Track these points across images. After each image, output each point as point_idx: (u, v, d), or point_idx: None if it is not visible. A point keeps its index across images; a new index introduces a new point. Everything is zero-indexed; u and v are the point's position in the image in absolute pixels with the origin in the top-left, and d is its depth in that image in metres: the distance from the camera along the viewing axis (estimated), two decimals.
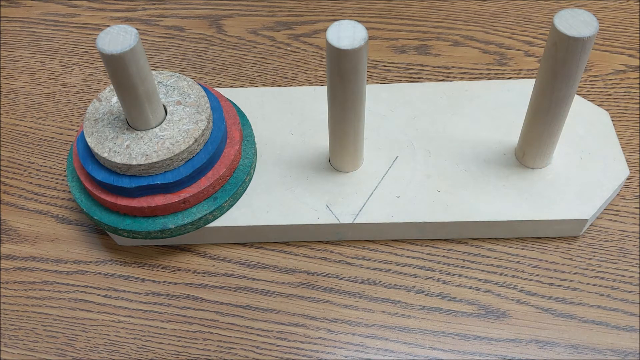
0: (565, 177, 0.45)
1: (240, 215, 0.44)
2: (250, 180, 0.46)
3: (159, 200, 0.42)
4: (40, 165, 0.51)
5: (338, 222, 0.43)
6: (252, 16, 0.62)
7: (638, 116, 0.51)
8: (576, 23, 0.36)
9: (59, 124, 0.54)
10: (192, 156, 0.42)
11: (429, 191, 0.45)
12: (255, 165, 0.46)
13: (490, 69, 0.56)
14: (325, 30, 0.60)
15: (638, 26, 0.58)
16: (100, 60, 0.59)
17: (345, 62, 0.37)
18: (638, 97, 0.53)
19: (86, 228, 0.48)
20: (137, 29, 0.39)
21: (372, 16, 0.61)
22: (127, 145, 0.41)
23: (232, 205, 0.44)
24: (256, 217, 0.44)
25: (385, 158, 0.47)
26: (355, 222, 0.43)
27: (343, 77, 0.38)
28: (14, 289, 0.45)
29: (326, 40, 0.36)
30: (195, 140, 0.41)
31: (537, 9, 0.61)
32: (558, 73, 0.38)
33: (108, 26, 0.62)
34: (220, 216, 0.44)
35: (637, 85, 0.54)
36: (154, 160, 0.40)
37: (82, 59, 0.59)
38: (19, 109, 0.56)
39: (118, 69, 0.37)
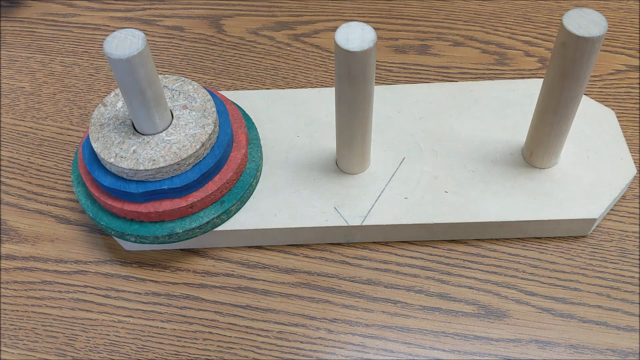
0: (573, 177, 0.45)
1: (248, 218, 0.44)
2: (257, 183, 0.46)
3: (167, 205, 0.41)
4: (40, 165, 0.51)
5: (347, 225, 0.43)
6: (252, 16, 0.62)
7: (638, 116, 0.51)
8: (585, 23, 0.36)
9: (59, 124, 0.54)
10: (199, 160, 0.42)
11: (437, 192, 0.45)
12: (261, 169, 0.46)
13: (490, 69, 0.56)
14: (325, 30, 0.60)
15: (638, 26, 0.58)
16: (100, 60, 0.59)
17: (354, 64, 0.37)
18: (638, 97, 0.53)
19: (86, 228, 0.48)
20: (137, 29, 0.39)
21: (372, 16, 0.61)
22: (133, 150, 0.41)
23: (239, 209, 0.44)
24: (264, 220, 0.44)
25: (392, 159, 0.47)
26: (363, 224, 0.43)
27: (351, 79, 0.38)
28: (14, 289, 0.45)
29: (335, 42, 0.36)
30: (202, 145, 0.41)
31: (537, 9, 0.61)
32: (567, 73, 0.38)
33: (108, 26, 0.62)
34: (227, 220, 0.44)
35: (637, 85, 0.54)
36: (161, 165, 0.40)
37: (82, 59, 0.59)
38: (19, 109, 0.56)
39: (126, 74, 0.37)
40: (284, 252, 0.45)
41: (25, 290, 0.45)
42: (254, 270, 0.45)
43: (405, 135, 0.48)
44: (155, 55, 0.59)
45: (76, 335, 0.43)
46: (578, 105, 0.41)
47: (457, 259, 0.44)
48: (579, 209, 0.43)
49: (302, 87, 0.56)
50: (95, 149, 0.41)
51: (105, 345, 0.42)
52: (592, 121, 0.48)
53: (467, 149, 0.47)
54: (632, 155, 0.48)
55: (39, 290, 0.45)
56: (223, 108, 0.45)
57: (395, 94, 0.51)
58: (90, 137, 0.42)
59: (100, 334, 0.42)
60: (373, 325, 0.42)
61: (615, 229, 0.45)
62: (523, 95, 0.50)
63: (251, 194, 0.45)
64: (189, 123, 0.42)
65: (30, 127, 0.54)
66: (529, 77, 0.55)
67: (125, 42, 0.37)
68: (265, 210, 0.44)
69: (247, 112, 0.50)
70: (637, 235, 0.45)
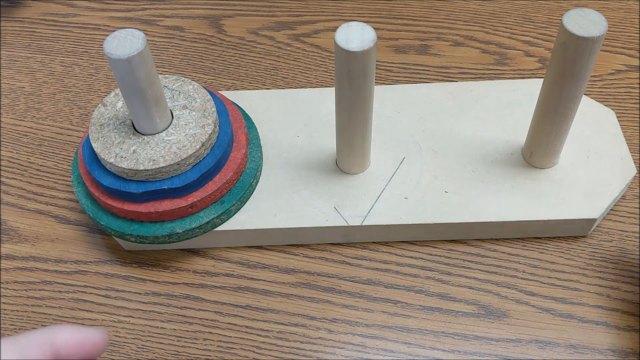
0: (573, 177, 0.45)
1: (248, 218, 0.44)
2: (257, 183, 0.46)
3: (166, 205, 0.41)
4: (40, 165, 0.51)
5: (346, 225, 0.43)
6: (252, 16, 0.62)
7: (638, 116, 0.51)
8: (585, 23, 0.36)
9: (59, 124, 0.54)
10: (199, 160, 0.42)
11: (437, 192, 0.45)
12: (261, 169, 0.46)
13: (490, 69, 0.56)
14: (325, 30, 0.60)
15: (638, 26, 0.58)
16: (100, 60, 0.59)
17: (354, 64, 0.37)
18: (638, 97, 0.53)
19: (86, 228, 0.48)
20: (137, 29, 0.39)
21: (372, 16, 0.61)
22: (133, 150, 0.41)
23: (239, 209, 0.44)
24: (264, 220, 0.44)
25: (392, 159, 0.47)
26: (363, 224, 0.43)
27: (351, 80, 0.38)
28: (14, 289, 0.45)
29: (335, 42, 0.36)
30: (202, 145, 0.41)
31: (537, 9, 0.61)
32: (567, 73, 0.38)
33: (108, 26, 0.62)
34: (227, 220, 0.44)
35: (637, 85, 0.54)
36: (161, 165, 0.40)
37: (82, 59, 0.59)
38: (19, 109, 0.56)
39: (126, 74, 0.37)
40: (284, 252, 0.45)
41: (25, 290, 0.45)
42: (254, 270, 0.45)
43: (405, 135, 0.48)
44: (155, 55, 0.59)
45: None
46: (578, 105, 0.41)
47: (457, 259, 0.44)
48: (579, 209, 0.43)
49: (302, 87, 0.56)
50: (95, 149, 0.41)
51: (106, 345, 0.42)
52: (592, 121, 0.48)
53: (467, 149, 0.47)
54: (632, 155, 0.48)
55: (39, 290, 0.45)
56: (223, 108, 0.45)
57: (395, 94, 0.51)
58: (90, 137, 0.42)
59: None
60: (373, 325, 0.42)
61: (615, 229, 0.45)
62: (523, 95, 0.50)
63: (251, 194, 0.45)
64: (189, 123, 0.42)
65: (30, 127, 0.54)
66: (529, 77, 0.55)
67: (125, 42, 0.37)
68: (265, 210, 0.44)
69: (247, 112, 0.50)
70: (637, 235, 0.45)
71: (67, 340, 0.30)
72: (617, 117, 0.50)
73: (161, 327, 0.42)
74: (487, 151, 0.47)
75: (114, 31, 0.40)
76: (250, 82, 0.56)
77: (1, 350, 0.28)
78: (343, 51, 0.36)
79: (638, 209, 0.46)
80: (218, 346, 0.42)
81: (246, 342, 0.42)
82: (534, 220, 0.43)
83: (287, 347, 0.41)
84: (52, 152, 0.52)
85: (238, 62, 0.58)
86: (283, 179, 0.46)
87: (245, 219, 0.44)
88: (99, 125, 0.42)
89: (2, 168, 0.51)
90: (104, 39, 0.57)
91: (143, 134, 0.42)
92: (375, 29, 0.59)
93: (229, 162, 0.43)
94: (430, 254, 0.45)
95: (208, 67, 0.58)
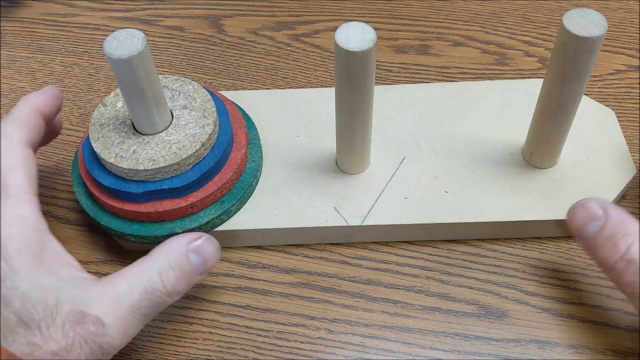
0: (573, 177, 0.45)
1: (248, 218, 0.44)
2: (257, 183, 0.46)
3: (167, 205, 0.41)
4: (41, 165, 0.51)
5: (347, 225, 0.43)
6: (252, 16, 0.62)
7: (638, 116, 0.51)
8: (585, 23, 0.36)
9: None
10: (199, 160, 0.42)
11: (437, 192, 0.45)
12: (261, 169, 0.46)
13: (490, 69, 0.56)
14: (325, 30, 0.61)
15: (638, 26, 0.59)
16: (100, 60, 0.59)
17: (353, 64, 0.37)
18: (638, 97, 0.53)
19: (86, 228, 0.47)
20: (137, 29, 0.39)
21: (372, 16, 0.61)
22: (133, 150, 0.41)
23: (239, 209, 0.44)
24: (264, 220, 0.44)
25: (392, 159, 0.47)
26: (363, 224, 0.43)
27: (351, 80, 0.38)
28: None
29: (334, 42, 0.36)
30: (202, 145, 0.41)
31: (537, 9, 0.61)
32: (567, 73, 0.38)
33: (108, 26, 0.62)
34: (227, 220, 0.44)
35: (637, 85, 0.54)
36: (161, 165, 0.40)
37: (82, 59, 0.59)
38: None
39: (126, 74, 0.37)
40: (284, 252, 0.45)
41: None
42: (254, 270, 0.45)
43: (405, 135, 0.48)
44: (155, 55, 0.59)
45: None
46: (578, 105, 0.41)
47: (457, 259, 0.44)
48: None
49: (302, 87, 0.56)
50: (95, 149, 0.41)
51: None
52: (592, 121, 0.48)
53: (467, 149, 0.47)
54: (632, 155, 0.48)
55: None
56: (223, 108, 0.45)
57: (395, 94, 0.51)
58: (90, 137, 0.42)
59: None
60: (373, 325, 0.42)
61: None
62: (523, 95, 0.50)
63: (251, 194, 0.45)
64: (189, 123, 0.42)
65: None
66: (529, 77, 0.55)
67: (125, 42, 0.37)
68: (265, 210, 0.44)
69: (247, 112, 0.50)
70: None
71: (43, 99, 0.38)
72: (617, 117, 0.50)
73: (161, 327, 0.42)
74: (487, 151, 0.47)
75: (114, 31, 0.40)
76: (250, 82, 0.56)
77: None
78: (343, 51, 0.36)
79: (638, 209, 0.46)
80: (218, 346, 0.42)
81: (246, 342, 0.42)
82: (534, 220, 0.43)
83: (287, 347, 0.41)
84: (52, 152, 0.52)
85: (238, 62, 0.58)
86: (283, 179, 0.46)
87: (245, 219, 0.44)
88: (99, 125, 0.42)
89: None
90: (104, 39, 0.57)
91: (143, 134, 0.42)
92: (375, 29, 0.60)
93: (229, 162, 0.43)
94: (430, 254, 0.45)
95: (208, 67, 0.58)
